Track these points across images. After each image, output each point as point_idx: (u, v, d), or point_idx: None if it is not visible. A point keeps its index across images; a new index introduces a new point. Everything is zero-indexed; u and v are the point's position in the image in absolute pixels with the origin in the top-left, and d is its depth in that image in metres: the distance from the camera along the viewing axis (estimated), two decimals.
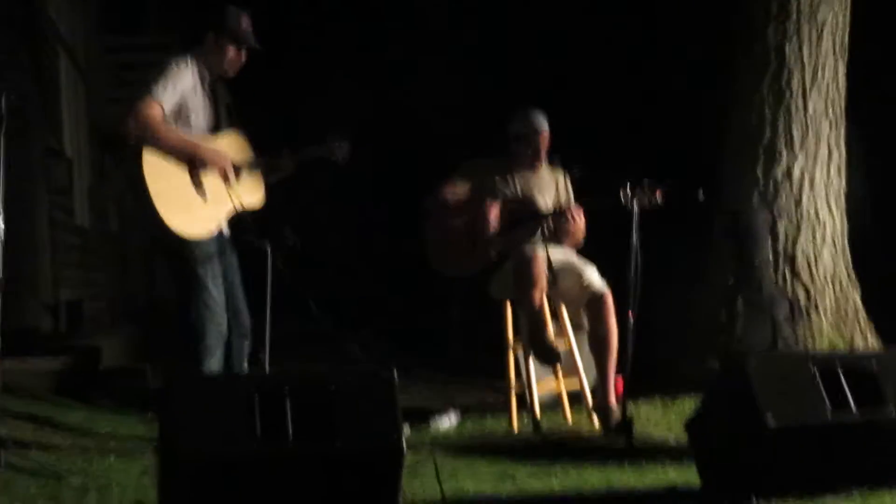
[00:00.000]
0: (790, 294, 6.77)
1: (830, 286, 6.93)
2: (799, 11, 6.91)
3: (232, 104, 5.02)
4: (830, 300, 6.91)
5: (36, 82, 8.43)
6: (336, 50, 14.44)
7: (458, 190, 5.74)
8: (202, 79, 4.86)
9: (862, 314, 7.02)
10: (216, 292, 4.82)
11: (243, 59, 4.94)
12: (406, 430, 3.60)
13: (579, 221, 5.58)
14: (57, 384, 6.48)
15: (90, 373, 6.83)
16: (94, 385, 6.66)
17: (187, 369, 4.73)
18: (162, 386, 3.47)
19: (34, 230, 8.16)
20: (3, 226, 4.38)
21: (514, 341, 5.70)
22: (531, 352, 5.52)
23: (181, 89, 4.74)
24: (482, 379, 7.01)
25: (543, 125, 5.72)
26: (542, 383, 5.72)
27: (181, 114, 4.78)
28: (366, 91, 14.34)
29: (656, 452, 4.71)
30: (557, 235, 5.73)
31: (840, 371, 4.00)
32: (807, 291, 6.86)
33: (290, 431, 3.37)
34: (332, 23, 14.54)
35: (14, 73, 7.82)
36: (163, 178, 4.64)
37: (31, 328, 7.81)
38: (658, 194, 5.21)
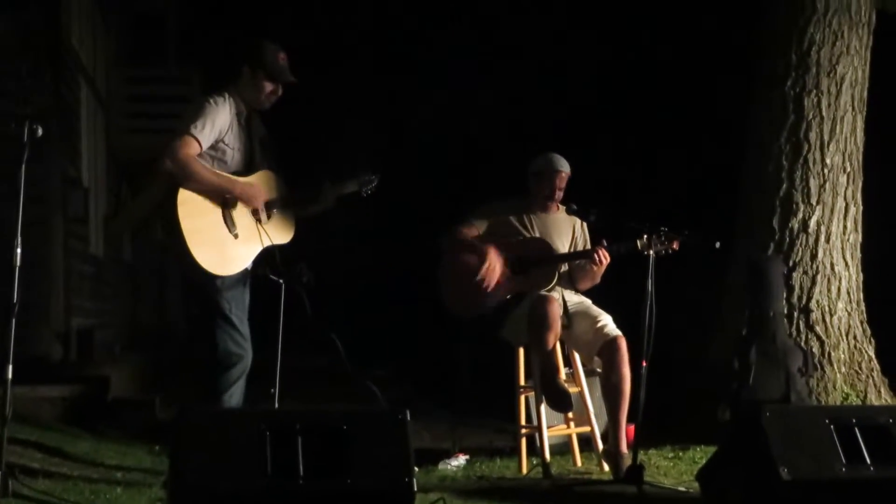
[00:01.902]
0: (804, 346, 6.73)
1: (845, 340, 6.89)
2: (819, 65, 6.94)
3: (266, 138, 5.01)
4: (844, 354, 6.87)
5: (56, 111, 8.49)
6: (353, 85, 14.55)
7: (473, 230, 5.74)
8: (238, 114, 4.85)
9: (876, 369, 6.98)
10: (241, 326, 4.81)
11: (279, 93, 4.95)
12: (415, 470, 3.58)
13: (606, 263, 5.54)
14: (66, 413, 6.49)
15: (99, 402, 6.84)
16: (103, 415, 6.66)
17: (207, 400, 4.70)
18: (172, 419, 3.44)
19: (49, 258, 8.21)
20: (20, 251, 4.39)
21: (525, 385, 5.68)
22: (543, 397, 5.49)
23: (219, 127, 4.74)
24: (491, 420, 6.98)
25: (565, 166, 5.74)
26: (552, 428, 5.68)
27: (217, 151, 4.77)
28: (382, 126, 14.44)
29: (667, 501, 4.66)
30: (574, 278, 5.71)
31: (855, 426, 3.97)
32: (821, 344, 6.82)
33: (301, 469, 3.35)
34: (348, 58, 14.66)
35: (37, 98, 7.89)
36: (196, 216, 4.63)
37: (42, 356, 7.84)
38: (675, 244, 5.20)
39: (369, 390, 4.98)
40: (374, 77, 15.04)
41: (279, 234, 4.88)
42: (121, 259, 12.07)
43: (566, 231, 5.80)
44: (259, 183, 4.86)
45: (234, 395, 4.80)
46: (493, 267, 5.58)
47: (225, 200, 4.71)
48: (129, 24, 12.66)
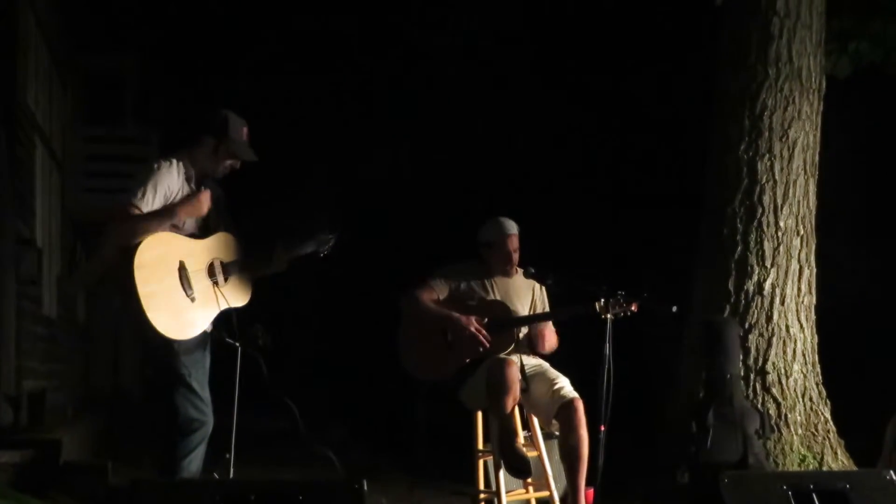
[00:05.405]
0: (761, 408, 6.75)
1: (801, 401, 6.94)
2: (771, 129, 7.06)
3: (221, 198, 4.97)
4: (801, 415, 6.91)
5: (10, 170, 8.41)
6: (313, 143, 14.60)
7: (433, 294, 5.72)
8: (188, 178, 4.81)
9: (832, 430, 7.01)
10: (202, 391, 4.74)
11: (237, 167, 4.92)
12: None
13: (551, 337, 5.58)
14: (15, 479, 6.32)
15: (50, 467, 6.68)
16: (54, 480, 6.51)
17: (166, 466, 4.61)
18: (125, 486, 3.37)
19: (0, 319, 8.07)
20: None
21: (484, 449, 5.64)
22: (502, 461, 5.45)
23: (163, 190, 4.70)
24: (448, 483, 6.92)
25: (512, 228, 5.72)
26: (511, 492, 5.63)
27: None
28: (338, 187, 14.46)
29: None
30: (534, 342, 5.71)
31: (813, 491, 3.98)
32: (777, 406, 6.86)
33: None
34: (311, 114, 14.72)
35: None
36: (153, 282, 4.57)
37: None
38: (634, 307, 5.22)
39: (325, 456, 4.92)
40: (331, 135, 15.09)
41: (236, 296, 4.84)
42: (74, 320, 11.92)
43: (526, 294, 5.81)
44: (215, 245, 4.82)
45: (194, 462, 4.72)
46: (480, 331, 5.57)
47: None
48: (87, 84, 12.62)
